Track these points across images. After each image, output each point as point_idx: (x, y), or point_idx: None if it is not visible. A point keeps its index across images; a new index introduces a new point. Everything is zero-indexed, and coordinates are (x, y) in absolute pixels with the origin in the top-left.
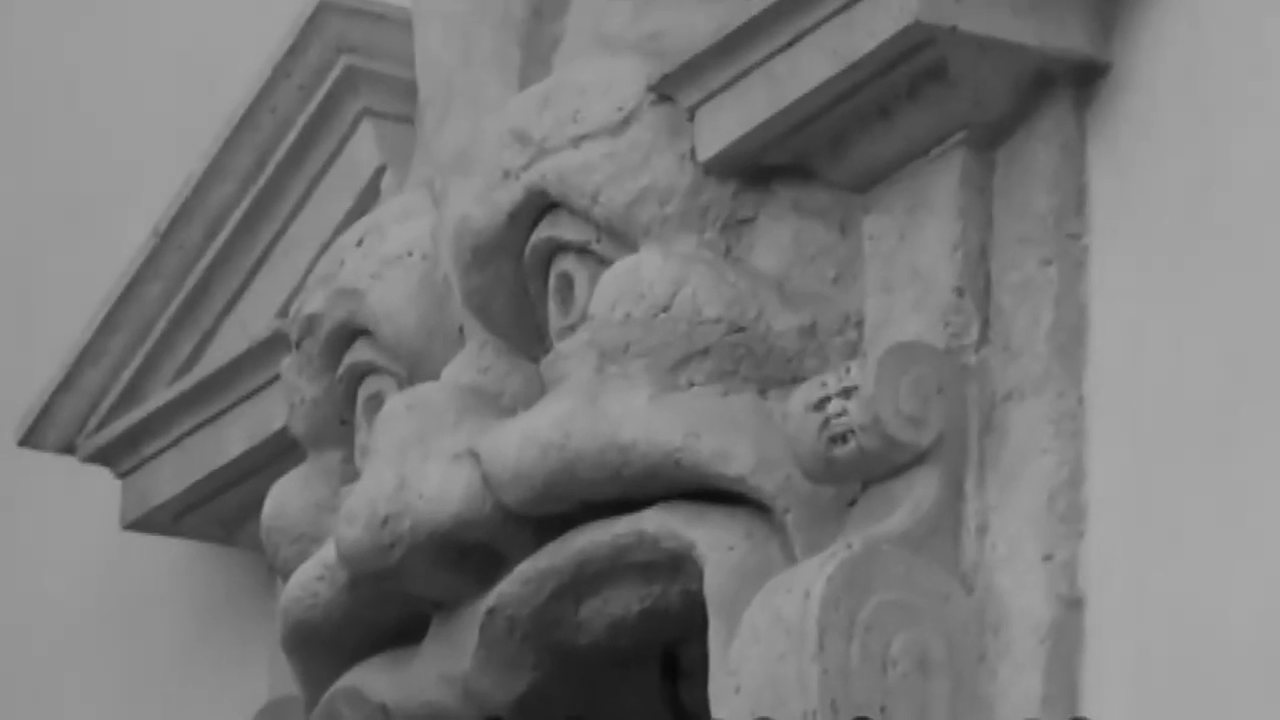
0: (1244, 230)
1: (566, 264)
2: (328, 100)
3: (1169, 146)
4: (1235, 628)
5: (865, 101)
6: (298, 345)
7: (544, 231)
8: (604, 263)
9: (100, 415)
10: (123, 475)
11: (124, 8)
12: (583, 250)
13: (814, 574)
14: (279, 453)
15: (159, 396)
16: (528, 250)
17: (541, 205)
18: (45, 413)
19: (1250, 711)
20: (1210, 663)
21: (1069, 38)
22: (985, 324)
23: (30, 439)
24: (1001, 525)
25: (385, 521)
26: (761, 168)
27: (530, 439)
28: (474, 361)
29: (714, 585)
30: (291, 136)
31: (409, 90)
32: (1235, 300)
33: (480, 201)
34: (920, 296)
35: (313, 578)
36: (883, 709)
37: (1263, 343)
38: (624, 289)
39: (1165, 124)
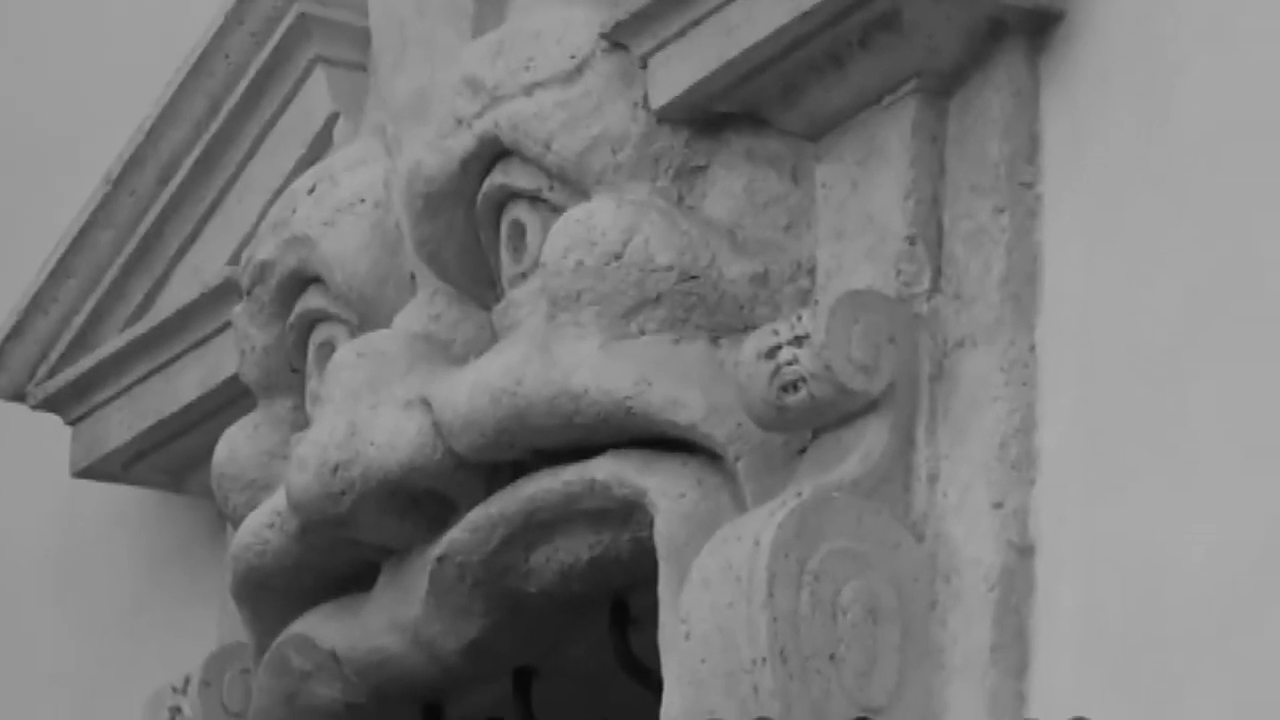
0: (1196, 178)
1: (519, 212)
2: (280, 47)
3: (1122, 94)
4: (1184, 574)
5: (818, 50)
6: (249, 292)
7: (496, 179)
8: (556, 210)
9: (51, 363)
10: (73, 422)
11: None
12: (535, 198)
13: (764, 522)
14: (230, 400)
15: (110, 344)
16: (480, 198)
17: (494, 153)
18: None
19: (1198, 657)
20: (1159, 609)
21: None
22: (937, 272)
23: None
24: (952, 473)
25: (336, 469)
26: (714, 116)
27: (481, 386)
28: (425, 309)
29: (664, 533)
30: (244, 83)
31: (362, 37)
32: (1187, 248)
33: (432, 149)
34: (872, 245)
35: (263, 525)
36: (832, 656)
37: (1214, 290)
38: (576, 236)
39: (1118, 72)
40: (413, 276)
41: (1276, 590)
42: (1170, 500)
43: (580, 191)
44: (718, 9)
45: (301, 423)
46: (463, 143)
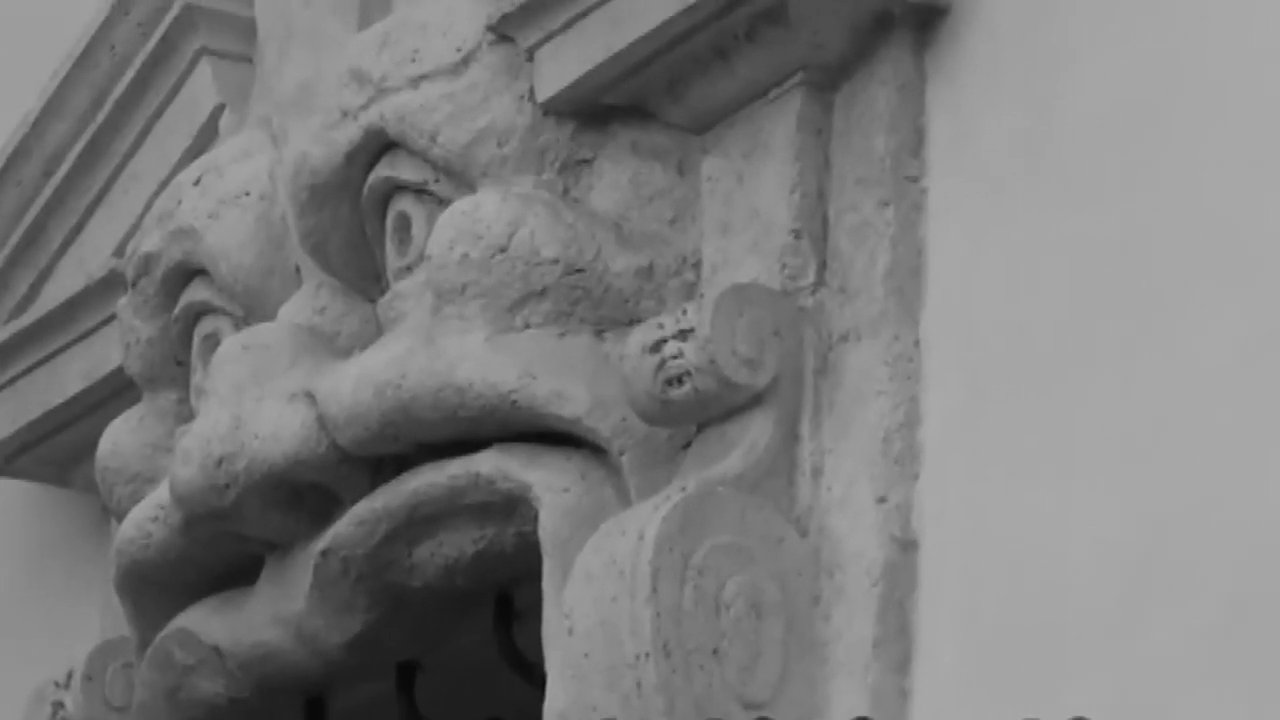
0: (1081, 172)
1: (404, 204)
2: (166, 38)
3: (1007, 88)
4: (1067, 570)
5: (703, 43)
6: (134, 284)
7: (382, 171)
8: (442, 203)
9: None
10: None
11: None
12: (421, 190)
13: (648, 516)
14: (114, 393)
15: None
16: (365, 190)
17: (380, 145)
18: None
19: (1080, 652)
20: (1041, 605)
21: None
22: (822, 266)
23: None
24: (836, 467)
25: (220, 462)
26: (600, 109)
27: (366, 379)
28: (310, 302)
29: (549, 527)
30: (130, 75)
31: (248, 29)
32: (1071, 242)
33: (318, 141)
34: (757, 238)
35: (147, 518)
36: (715, 651)
37: (1098, 285)
38: (462, 229)
39: (1004, 66)
40: (298, 269)
41: (1157, 585)
42: (1053, 495)
43: (466, 184)
44: (603, 2)
45: (186, 415)
46: (348, 135)
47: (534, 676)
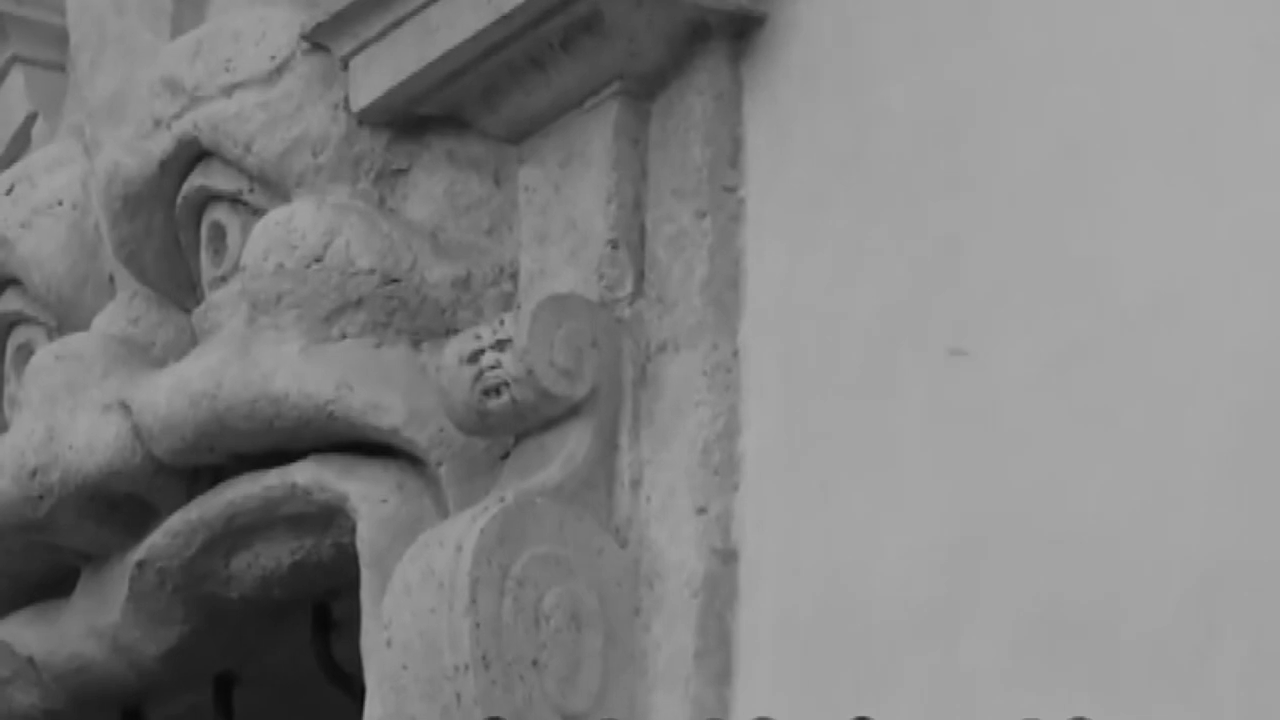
0: (897, 181)
1: (219, 214)
2: None
3: (825, 98)
4: (882, 582)
5: (519, 52)
6: None
7: (196, 180)
8: (257, 213)
9: None
10: None
11: None
12: (235, 200)
13: (466, 527)
14: None
15: None
16: (179, 200)
17: (193, 154)
18: None
19: (895, 664)
20: (858, 616)
21: None
22: (640, 276)
23: None
24: (656, 478)
25: (34, 473)
26: (416, 118)
27: (181, 389)
28: (125, 312)
29: (366, 538)
30: None
31: (60, 36)
32: (888, 252)
33: (131, 150)
34: (575, 248)
35: None
36: (535, 663)
37: (914, 295)
38: (276, 239)
39: (822, 75)
40: (112, 279)
41: (971, 594)
42: (869, 507)
43: (281, 194)
44: (418, 11)
45: (1, 426)
46: (161, 144)
47: (352, 688)
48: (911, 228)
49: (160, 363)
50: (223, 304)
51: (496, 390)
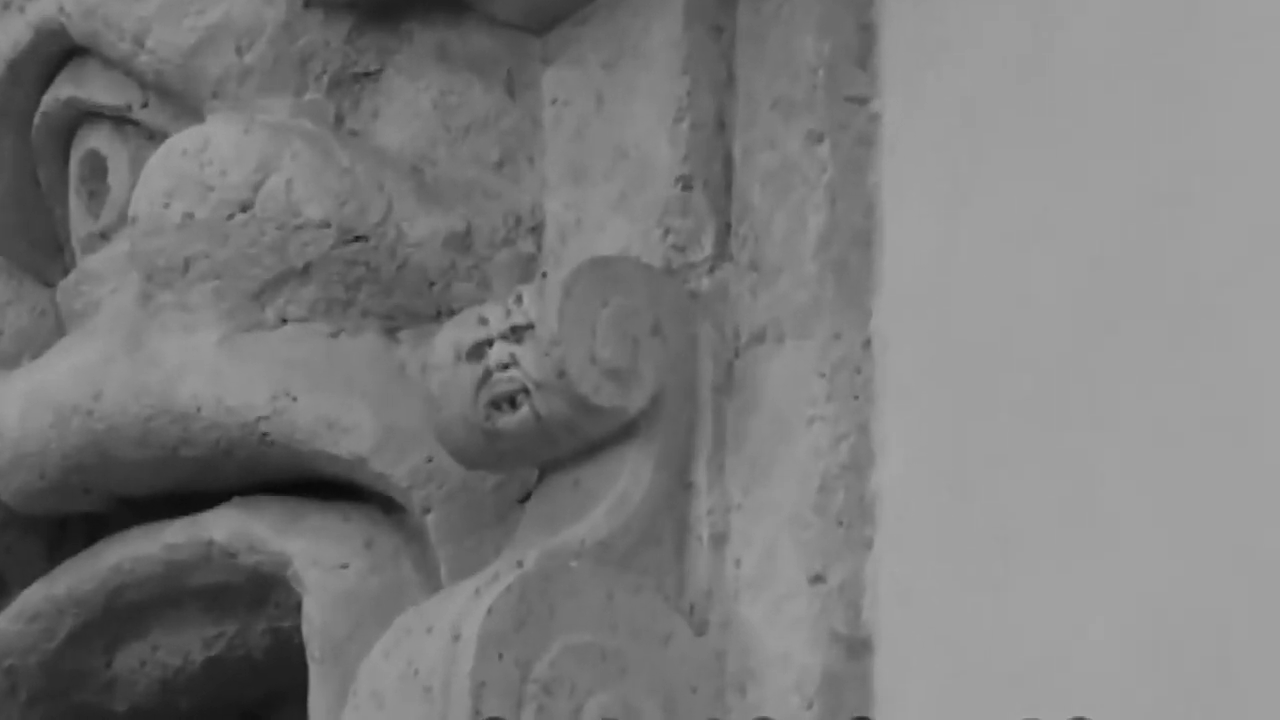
0: (1102, 95)
1: (96, 139)
2: None
3: None
4: (1083, 682)
5: None
6: None
7: (63, 91)
8: (153, 138)
9: None
10: None
11: None
12: (121, 119)
13: (466, 606)
14: None
15: None
16: (37, 119)
17: (59, 51)
18: None
19: None
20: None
21: None
22: (725, 231)
23: None
24: (748, 531)
25: None
26: None
27: (40, 401)
28: None
29: (317, 621)
30: None
31: None
32: (1091, 197)
33: None
34: (627, 190)
35: None
36: None
37: (1126, 261)
38: (183, 177)
39: None
40: None
41: (1208, 711)
42: (1066, 575)
43: (189, 110)
44: None
45: None
46: (11, 35)
47: None
48: (1123, 163)
49: (11, 360)
50: (103, 274)
51: (511, 400)
